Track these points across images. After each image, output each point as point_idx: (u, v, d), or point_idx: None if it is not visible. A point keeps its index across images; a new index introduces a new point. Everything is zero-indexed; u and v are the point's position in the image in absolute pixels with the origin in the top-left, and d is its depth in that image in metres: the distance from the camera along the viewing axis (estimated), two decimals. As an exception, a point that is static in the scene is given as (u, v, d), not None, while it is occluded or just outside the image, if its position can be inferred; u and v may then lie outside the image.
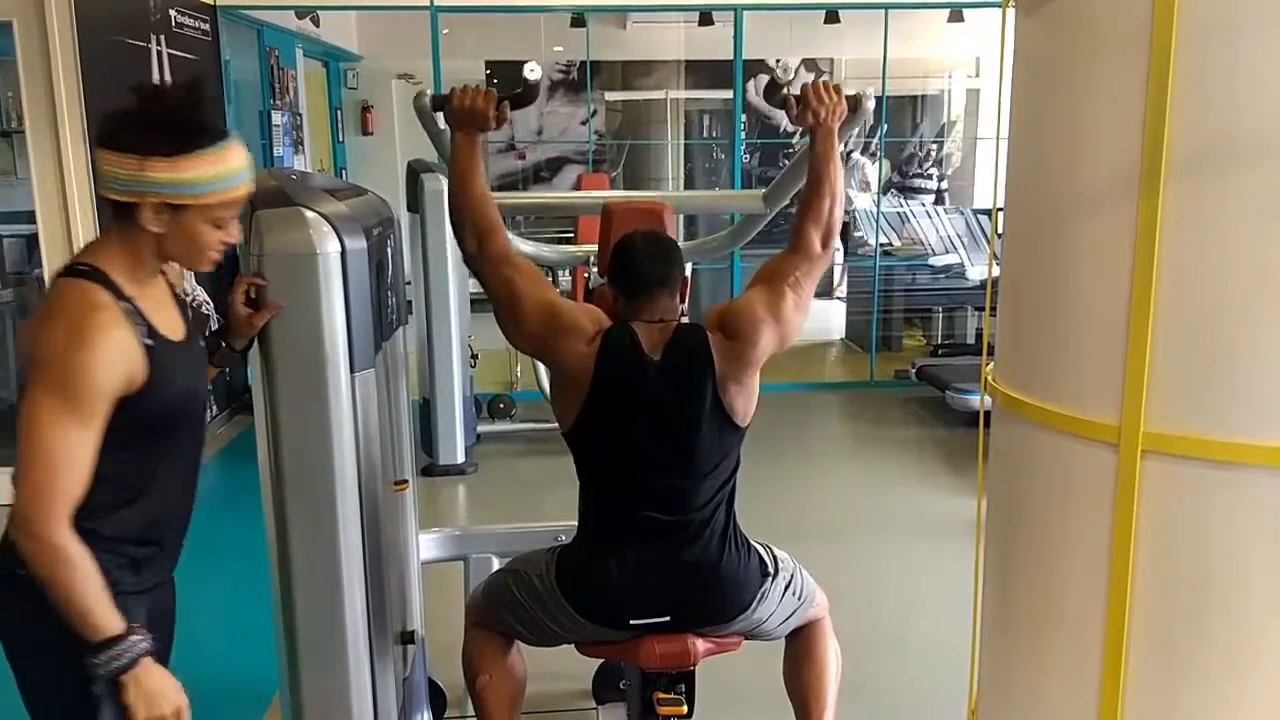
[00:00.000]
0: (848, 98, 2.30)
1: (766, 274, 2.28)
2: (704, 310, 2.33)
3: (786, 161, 10.14)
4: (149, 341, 1.68)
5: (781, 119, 11.06)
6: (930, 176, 10.21)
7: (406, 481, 2.51)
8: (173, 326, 1.78)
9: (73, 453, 1.59)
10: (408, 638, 2.43)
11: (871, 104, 2.40)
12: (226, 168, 1.66)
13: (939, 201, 9.80)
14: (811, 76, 10.01)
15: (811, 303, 2.29)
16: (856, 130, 2.37)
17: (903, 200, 9.37)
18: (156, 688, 1.68)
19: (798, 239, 2.27)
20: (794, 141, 11.36)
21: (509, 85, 2.26)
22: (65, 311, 1.62)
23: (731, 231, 3.92)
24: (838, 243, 2.31)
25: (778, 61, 2.27)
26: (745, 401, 2.22)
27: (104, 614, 1.62)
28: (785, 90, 2.27)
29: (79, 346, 1.59)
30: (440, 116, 2.26)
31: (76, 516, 1.60)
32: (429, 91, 2.31)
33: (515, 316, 2.23)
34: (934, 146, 10.64)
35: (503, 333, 2.29)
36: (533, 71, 2.25)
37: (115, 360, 1.62)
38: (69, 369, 1.58)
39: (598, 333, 2.20)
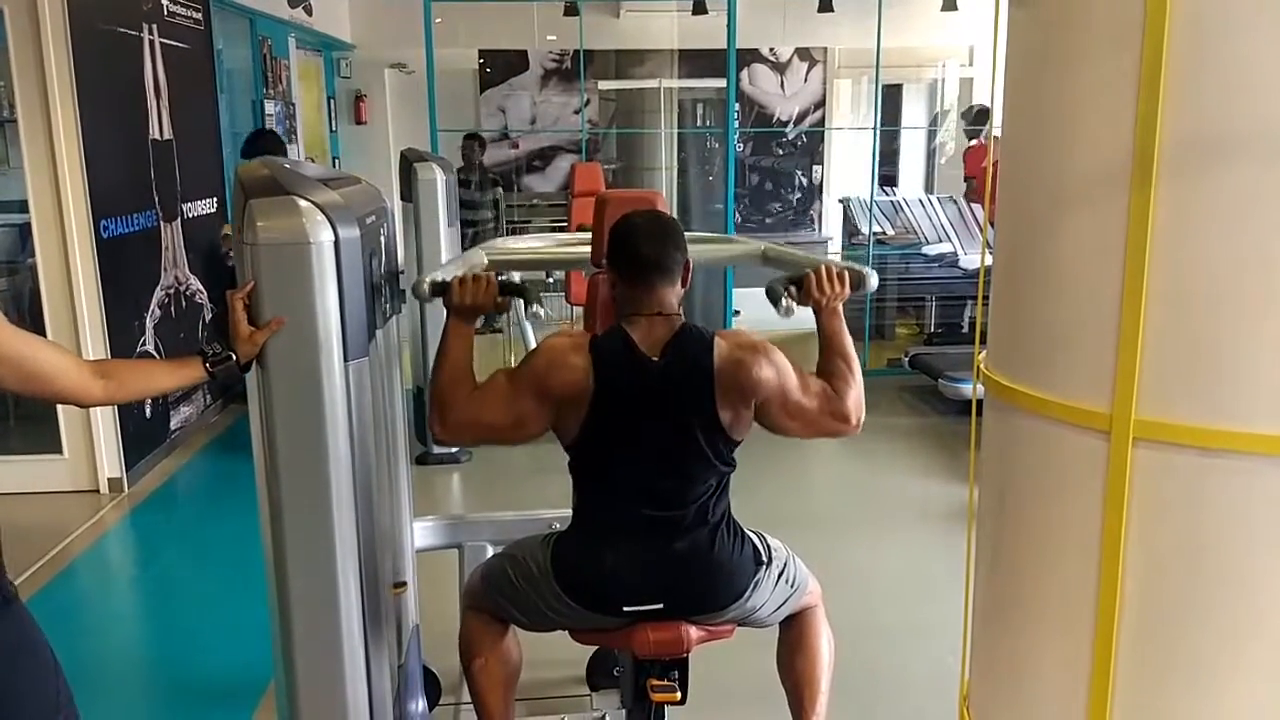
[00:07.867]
0: (851, 274, 2.33)
1: (805, 375, 2.30)
2: (716, 328, 2.30)
3: (779, 151, 10.19)
4: None
5: (776, 109, 11.11)
6: None
7: (405, 584, 2.48)
8: None
9: None
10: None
11: (875, 280, 2.39)
12: None
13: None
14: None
15: (803, 415, 2.27)
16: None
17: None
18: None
19: (839, 404, 2.29)
20: (787, 131, 11.37)
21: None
22: None
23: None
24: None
25: (783, 296, 2.27)
26: (739, 423, 2.21)
27: None
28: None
29: None
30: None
31: None
32: (426, 279, 2.30)
33: (515, 429, 2.21)
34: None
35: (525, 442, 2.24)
36: (535, 316, 2.39)
37: None
38: None
39: (578, 344, 2.18)
